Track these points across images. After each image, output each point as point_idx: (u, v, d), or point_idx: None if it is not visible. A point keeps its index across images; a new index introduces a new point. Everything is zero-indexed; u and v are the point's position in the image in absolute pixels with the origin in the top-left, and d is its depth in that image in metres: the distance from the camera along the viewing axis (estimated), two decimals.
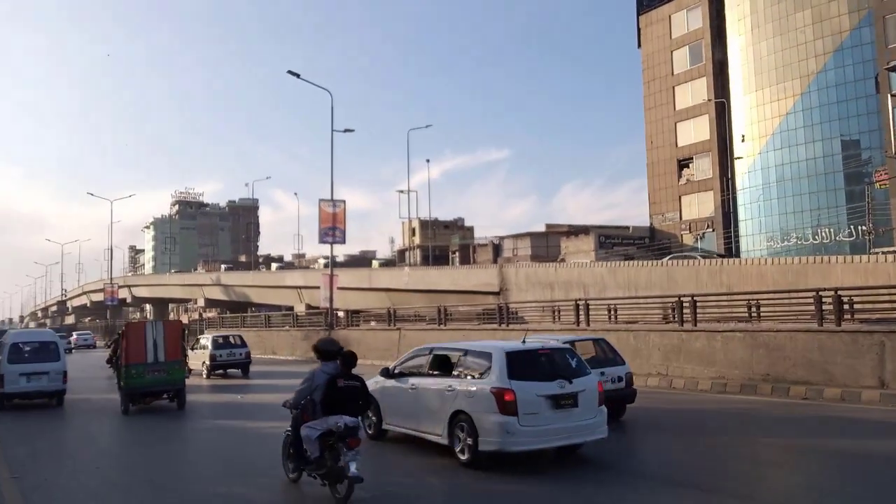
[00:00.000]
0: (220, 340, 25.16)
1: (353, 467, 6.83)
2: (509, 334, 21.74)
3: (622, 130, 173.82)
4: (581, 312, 19.65)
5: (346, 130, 35.19)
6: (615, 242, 58.11)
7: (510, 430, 8.16)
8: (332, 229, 32.91)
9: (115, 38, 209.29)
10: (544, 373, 8.64)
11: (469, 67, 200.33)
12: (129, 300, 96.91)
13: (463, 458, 8.64)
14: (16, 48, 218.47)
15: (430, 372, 9.68)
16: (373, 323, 34.39)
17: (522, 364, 8.63)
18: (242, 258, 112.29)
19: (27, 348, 16.58)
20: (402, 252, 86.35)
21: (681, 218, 57.48)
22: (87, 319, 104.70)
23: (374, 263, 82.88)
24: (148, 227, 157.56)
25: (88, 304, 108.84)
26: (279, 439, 8.27)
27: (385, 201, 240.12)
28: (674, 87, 57.96)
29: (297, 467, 7.72)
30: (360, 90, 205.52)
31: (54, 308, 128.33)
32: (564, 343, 10.56)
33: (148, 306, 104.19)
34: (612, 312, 22.09)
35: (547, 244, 61.32)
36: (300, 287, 60.92)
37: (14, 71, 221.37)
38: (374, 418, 10.66)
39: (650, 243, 56.96)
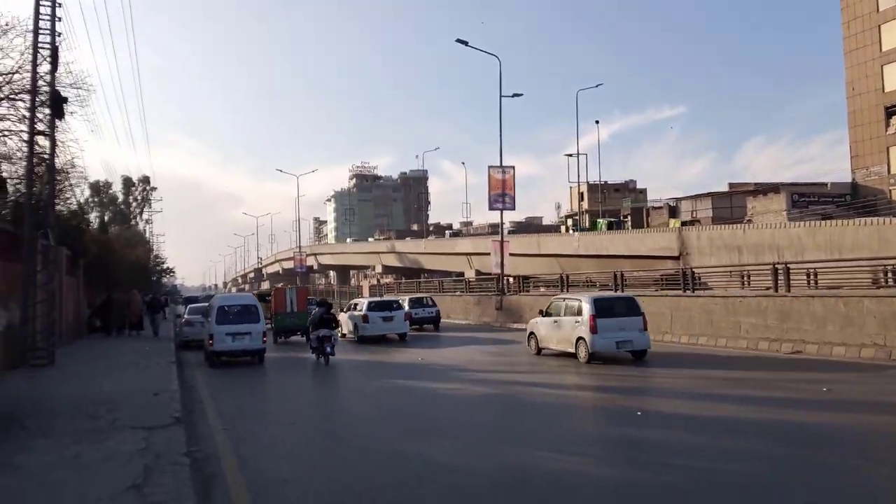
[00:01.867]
0: (415, 300, 30.58)
1: (328, 349, 17.22)
2: (695, 301, 20.33)
3: (815, 78, 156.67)
4: (780, 276, 17.79)
5: (514, 95, 34.60)
6: (810, 201, 52.62)
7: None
8: (502, 195, 32.70)
9: (277, 17, 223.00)
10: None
11: (636, 24, 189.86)
12: (315, 267, 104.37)
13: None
14: (205, 41, 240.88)
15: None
16: (542, 289, 33.90)
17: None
18: (414, 227, 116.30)
19: (232, 311, 18.09)
20: (569, 217, 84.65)
21: (889, 171, 50.68)
22: (279, 285, 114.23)
23: (564, 233, 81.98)
24: (329, 200, 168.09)
25: (280, 272, 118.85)
26: (458, 400, 10.02)
27: (550, 167, 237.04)
28: (879, 26, 50.82)
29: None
30: (526, 56, 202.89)
31: (252, 275, 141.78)
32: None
33: (332, 273, 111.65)
34: (812, 277, 19.92)
35: (731, 205, 56.96)
36: (470, 253, 61.87)
37: (205, 63, 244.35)
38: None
39: (852, 201, 50.92)
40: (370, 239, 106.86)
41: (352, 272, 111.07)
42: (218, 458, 8.36)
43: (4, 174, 18.16)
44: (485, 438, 9.27)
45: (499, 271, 32.77)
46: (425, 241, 78.73)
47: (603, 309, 15.86)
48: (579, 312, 16.11)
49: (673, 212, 63.15)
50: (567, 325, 16.51)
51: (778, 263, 18.73)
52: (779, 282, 17.91)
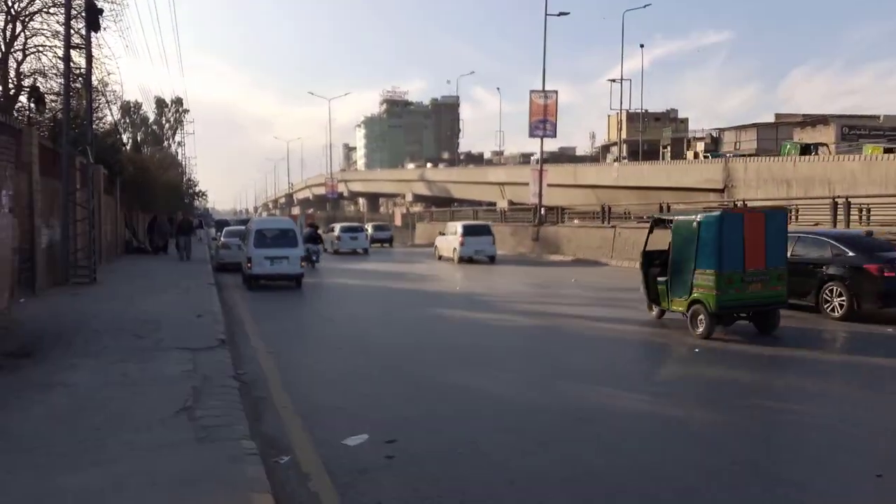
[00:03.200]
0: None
1: (314, 258, 23.50)
2: None
3: (868, 3, 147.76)
4: (840, 211, 16.93)
5: (560, 14, 32.83)
6: (861, 134, 50.46)
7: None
8: (543, 122, 31.65)
9: None
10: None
11: None
12: (345, 194, 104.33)
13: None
14: None
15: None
16: (576, 221, 33.22)
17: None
18: (445, 155, 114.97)
19: (270, 235, 17.88)
20: (605, 147, 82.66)
21: None
22: (309, 210, 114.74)
23: (603, 163, 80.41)
24: (359, 126, 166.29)
25: (311, 197, 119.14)
26: (506, 331, 9.47)
27: (585, 94, 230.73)
28: None
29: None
30: None
31: (283, 200, 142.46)
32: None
33: (361, 200, 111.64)
34: (865, 213, 19.05)
35: (776, 136, 54.86)
36: (503, 183, 60.97)
37: None
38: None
39: None
40: (401, 167, 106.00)
41: (381, 200, 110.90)
42: (265, 381, 8.19)
43: (41, 90, 17.80)
44: (539, 371, 8.97)
45: (536, 201, 32.07)
46: (457, 170, 77.84)
47: (468, 230, 26.67)
48: (456, 233, 26.62)
49: (716, 143, 61.18)
50: (451, 240, 27.00)
51: (838, 197, 17.81)
52: (837, 216, 17.07)
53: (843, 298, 11.56)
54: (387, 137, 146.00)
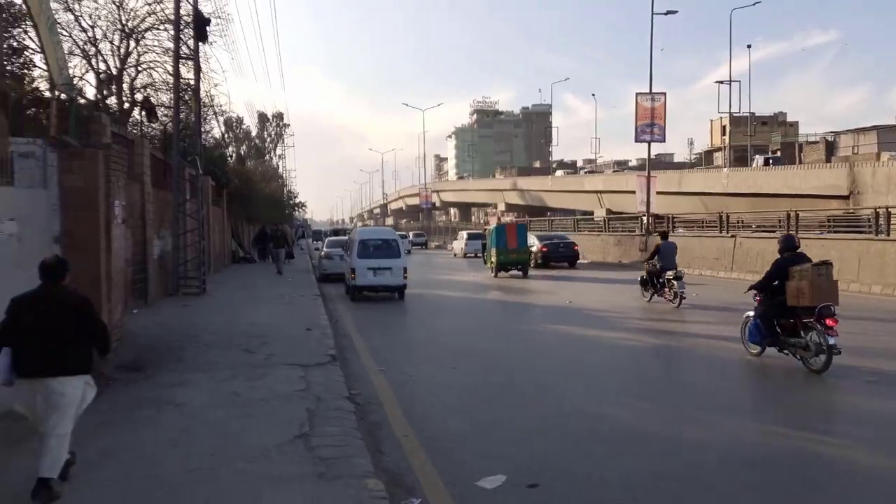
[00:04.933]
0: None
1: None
2: (888, 245, 17.61)
3: None
4: None
5: (668, 13, 31.11)
6: None
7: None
8: (651, 125, 30.11)
9: None
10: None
11: None
12: (437, 204, 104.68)
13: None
14: None
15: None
16: (680, 230, 31.30)
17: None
18: (536, 164, 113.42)
19: (373, 245, 17.52)
20: (708, 153, 78.94)
21: None
22: (403, 221, 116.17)
23: (711, 168, 77.15)
24: (450, 136, 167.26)
25: (404, 208, 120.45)
26: (628, 351, 10.16)
27: (680, 99, 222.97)
28: None
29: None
30: None
31: (377, 210, 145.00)
32: None
33: (453, 210, 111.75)
34: None
35: None
36: (601, 191, 59.09)
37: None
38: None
39: None
40: (492, 176, 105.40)
41: (473, 210, 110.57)
42: (380, 404, 7.58)
43: (152, 102, 18.24)
44: (679, 399, 7.92)
45: (643, 209, 30.46)
46: (551, 178, 76.27)
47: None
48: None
49: (830, 147, 56.95)
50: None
51: None
52: None
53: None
54: (477, 147, 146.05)
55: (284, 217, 53.16)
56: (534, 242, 28.31)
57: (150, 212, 14.70)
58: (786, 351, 9.00)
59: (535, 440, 6.26)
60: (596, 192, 59.92)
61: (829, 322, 8.32)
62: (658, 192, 42.68)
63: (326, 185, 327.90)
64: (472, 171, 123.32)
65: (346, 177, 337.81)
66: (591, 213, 54.58)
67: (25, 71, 17.18)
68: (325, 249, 24.65)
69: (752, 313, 9.48)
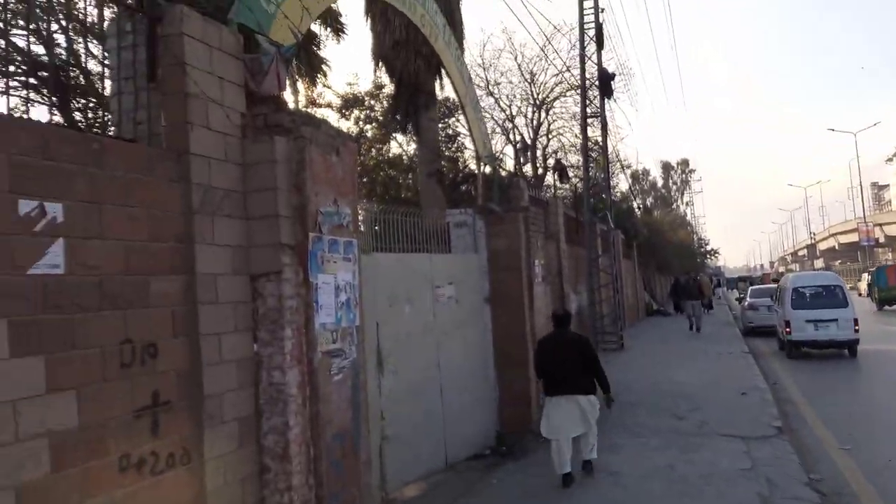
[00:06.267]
0: None
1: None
2: None
3: None
4: None
5: None
6: None
7: None
8: None
9: None
10: None
11: None
12: (881, 240, 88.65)
13: None
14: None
15: None
16: None
17: None
18: None
19: (810, 293, 15.02)
20: None
21: None
22: (836, 263, 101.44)
23: None
24: (890, 160, 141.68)
25: (836, 247, 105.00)
26: None
27: None
28: None
29: None
30: None
31: (802, 252, 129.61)
32: None
33: None
34: None
35: None
36: None
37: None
38: None
39: None
40: None
41: None
42: (854, 496, 5.91)
43: (562, 164, 19.11)
44: None
45: None
46: None
47: None
48: None
49: None
50: None
51: None
52: None
53: None
54: None
55: (696, 265, 50.94)
56: None
57: (566, 268, 15.06)
58: None
59: None
60: None
61: None
62: None
63: (739, 229, 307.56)
64: None
65: (762, 218, 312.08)
66: None
67: (459, 153, 19.84)
68: (748, 299, 22.30)
69: None
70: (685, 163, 60.83)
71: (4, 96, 3.42)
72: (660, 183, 60.03)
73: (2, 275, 2.58)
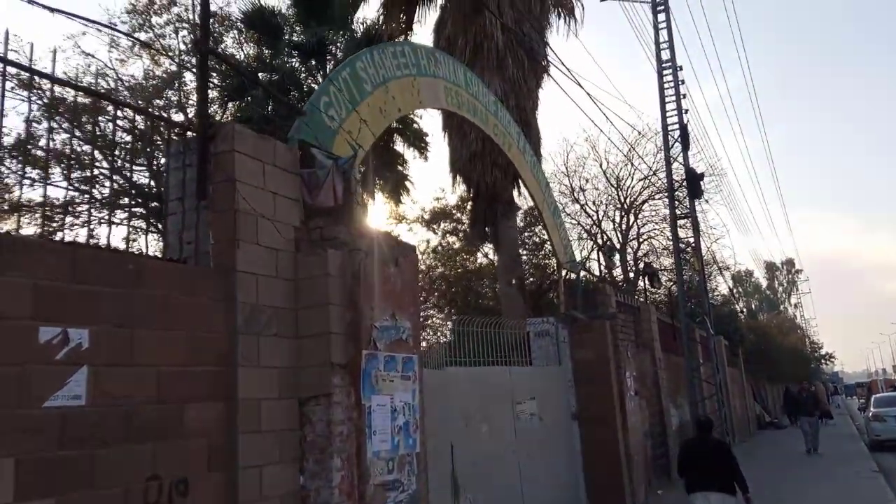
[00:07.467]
0: None
1: None
2: None
3: None
4: None
5: None
6: None
7: None
8: None
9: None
10: None
11: None
12: None
13: None
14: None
15: None
16: None
17: None
18: None
19: None
20: None
21: None
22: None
23: None
24: None
25: None
26: None
27: None
28: None
29: None
30: None
31: None
32: None
33: None
34: None
35: None
36: None
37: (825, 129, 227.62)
38: None
39: None
40: None
41: None
42: None
43: (654, 267, 18.38)
44: None
45: None
46: None
47: None
48: None
49: None
50: None
51: None
52: None
53: None
54: None
55: (810, 372, 47.09)
56: None
57: (664, 379, 14.02)
58: None
59: None
60: None
61: None
62: None
63: (855, 329, 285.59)
64: None
65: (880, 319, 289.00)
66: None
67: (546, 261, 19.50)
68: (872, 409, 20.00)
69: None
70: (790, 262, 57.71)
71: (115, 226, 3.44)
72: (764, 284, 56.98)
73: (14, 408, 2.40)
